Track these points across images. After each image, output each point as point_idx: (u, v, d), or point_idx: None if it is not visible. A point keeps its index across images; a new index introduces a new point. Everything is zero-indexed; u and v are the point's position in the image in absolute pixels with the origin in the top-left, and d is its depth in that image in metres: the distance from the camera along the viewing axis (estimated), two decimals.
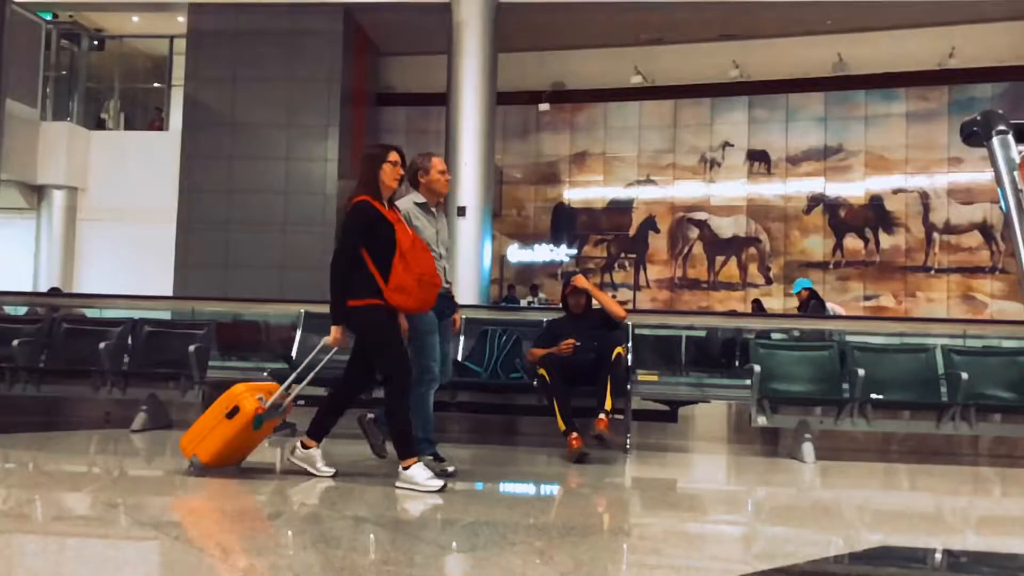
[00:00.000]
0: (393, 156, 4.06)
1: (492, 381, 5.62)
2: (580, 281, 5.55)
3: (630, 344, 5.66)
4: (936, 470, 5.30)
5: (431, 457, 4.23)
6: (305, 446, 4.10)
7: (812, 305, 9.00)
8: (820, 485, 4.78)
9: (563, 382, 5.01)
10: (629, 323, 5.77)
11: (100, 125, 16.35)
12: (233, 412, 3.92)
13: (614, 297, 10.73)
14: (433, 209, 4.47)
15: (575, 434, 4.86)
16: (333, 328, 3.97)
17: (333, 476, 4.04)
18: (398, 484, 3.81)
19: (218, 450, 3.95)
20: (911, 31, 14.14)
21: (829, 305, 9.57)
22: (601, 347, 5.11)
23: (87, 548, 2.89)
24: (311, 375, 4.14)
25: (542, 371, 5.09)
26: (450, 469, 4.20)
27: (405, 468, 3.82)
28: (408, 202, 4.36)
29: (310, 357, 4.15)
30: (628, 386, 5.34)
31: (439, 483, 3.79)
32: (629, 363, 5.42)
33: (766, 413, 5.39)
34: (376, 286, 3.87)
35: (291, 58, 14.07)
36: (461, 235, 11.96)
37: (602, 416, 4.84)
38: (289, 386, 4.12)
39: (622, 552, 3.10)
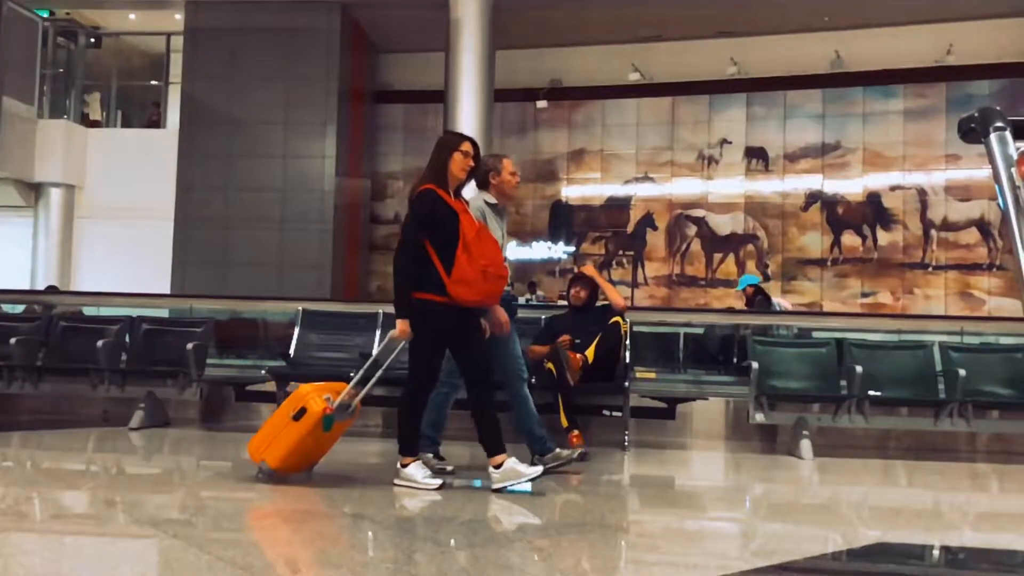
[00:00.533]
0: (466, 146, 3.94)
1: None
2: (588, 269, 5.60)
3: (627, 343, 5.66)
4: (933, 467, 5.32)
5: (431, 456, 4.24)
6: (496, 466, 3.79)
7: (758, 301, 8.99)
8: (818, 482, 4.78)
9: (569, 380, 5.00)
10: (628, 320, 5.77)
11: (84, 119, 16.25)
12: (300, 414, 3.74)
13: None
14: (500, 210, 4.45)
15: (576, 431, 4.87)
16: (399, 321, 3.78)
17: (539, 477, 3.79)
18: (396, 482, 3.82)
19: (287, 454, 3.78)
20: (909, 28, 14.12)
21: (775, 300, 9.55)
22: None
23: (85, 546, 2.89)
24: (379, 372, 3.96)
25: (549, 365, 5.07)
26: (449, 468, 4.21)
27: (403, 466, 3.83)
28: (480, 201, 4.30)
29: (376, 353, 4.03)
30: (625, 366, 5.39)
31: (437, 481, 3.79)
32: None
33: (764, 410, 5.40)
34: (439, 279, 3.74)
35: (288, 55, 14.03)
36: None
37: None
38: (357, 385, 3.94)
39: (620, 549, 3.10)
